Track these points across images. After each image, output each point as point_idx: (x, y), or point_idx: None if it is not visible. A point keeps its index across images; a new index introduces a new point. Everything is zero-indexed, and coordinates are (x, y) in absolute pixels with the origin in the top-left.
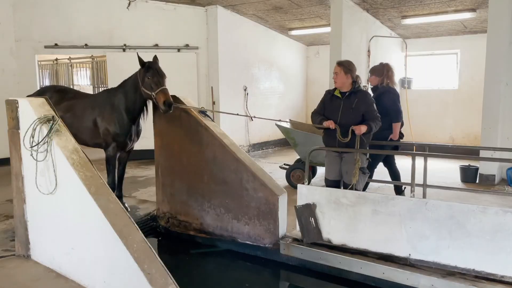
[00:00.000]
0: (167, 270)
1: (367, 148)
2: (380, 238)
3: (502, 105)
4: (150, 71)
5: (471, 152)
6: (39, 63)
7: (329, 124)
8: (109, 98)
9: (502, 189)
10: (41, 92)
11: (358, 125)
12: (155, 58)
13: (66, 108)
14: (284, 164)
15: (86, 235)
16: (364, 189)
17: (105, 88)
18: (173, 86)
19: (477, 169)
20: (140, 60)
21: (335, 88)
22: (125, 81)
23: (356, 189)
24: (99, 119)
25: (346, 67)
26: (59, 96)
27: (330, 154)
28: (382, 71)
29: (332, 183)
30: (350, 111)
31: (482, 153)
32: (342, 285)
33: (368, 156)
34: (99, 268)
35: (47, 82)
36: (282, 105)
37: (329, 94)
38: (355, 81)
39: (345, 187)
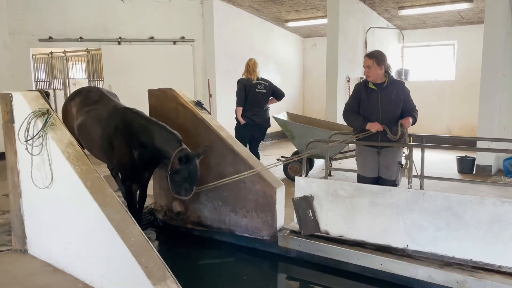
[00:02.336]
0: (165, 263)
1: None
2: (378, 229)
3: (499, 96)
4: (185, 173)
5: (468, 143)
6: (34, 56)
7: (377, 127)
8: (131, 130)
9: (499, 179)
10: (77, 93)
11: (399, 117)
12: (205, 149)
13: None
14: (282, 156)
15: (83, 229)
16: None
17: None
18: (169, 79)
19: (474, 160)
20: (185, 154)
21: (367, 81)
22: (156, 130)
23: (396, 185)
24: (114, 141)
25: (378, 58)
26: (87, 100)
27: (367, 150)
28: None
29: (370, 180)
30: (391, 102)
31: (479, 144)
32: (340, 276)
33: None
34: (97, 262)
35: (42, 76)
36: None
37: (363, 88)
38: (387, 71)
39: (383, 183)
